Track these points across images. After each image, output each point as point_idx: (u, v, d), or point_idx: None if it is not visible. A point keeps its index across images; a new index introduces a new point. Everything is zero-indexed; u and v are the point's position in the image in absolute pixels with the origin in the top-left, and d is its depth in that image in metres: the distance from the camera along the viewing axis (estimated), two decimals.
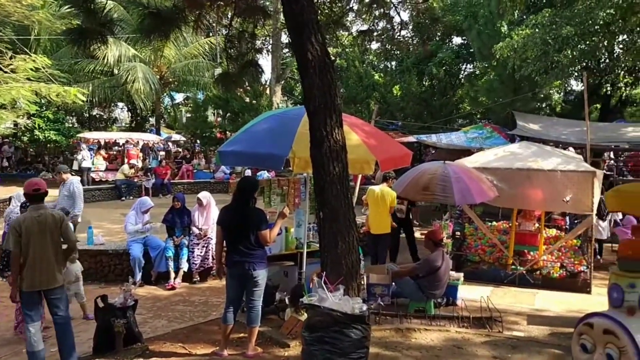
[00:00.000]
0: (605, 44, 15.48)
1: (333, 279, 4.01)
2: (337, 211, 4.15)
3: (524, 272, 8.00)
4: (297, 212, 6.60)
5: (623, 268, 3.39)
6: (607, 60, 19.44)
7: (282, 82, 26.30)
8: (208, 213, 8.38)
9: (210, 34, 25.63)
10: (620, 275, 3.34)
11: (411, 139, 16.30)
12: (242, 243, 4.94)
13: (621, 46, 16.31)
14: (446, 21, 22.12)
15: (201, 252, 8.20)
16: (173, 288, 7.80)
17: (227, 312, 5.09)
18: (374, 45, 25.91)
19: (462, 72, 24.63)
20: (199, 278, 8.19)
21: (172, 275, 7.98)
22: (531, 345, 5.48)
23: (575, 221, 9.74)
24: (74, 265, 6.40)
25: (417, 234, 10.04)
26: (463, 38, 23.79)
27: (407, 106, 21.52)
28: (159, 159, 22.43)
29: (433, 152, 16.85)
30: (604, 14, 12.39)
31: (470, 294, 7.01)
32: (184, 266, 8.07)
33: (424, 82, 23.22)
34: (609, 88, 20.11)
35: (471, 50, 21.56)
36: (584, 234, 8.62)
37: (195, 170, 21.15)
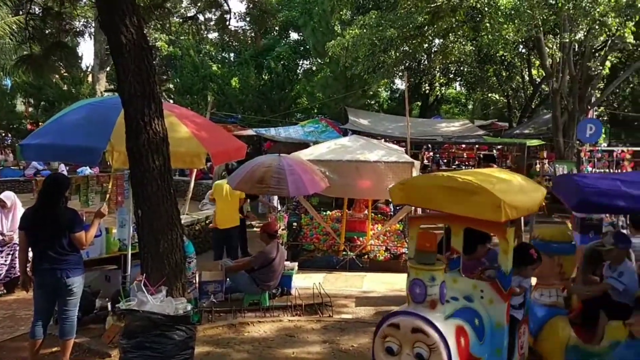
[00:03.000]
0: (424, 46, 17.39)
1: (155, 280, 3.82)
2: (158, 208, 3.94)
3: (354, 257, 8.61)
4: (120, 210, 6.14)
5: (421, 261, 3.32)
6: (426, 62, 21.89)
7: (107, 69, 24.25)
8: (14, 216, 7.34)
9: (21, 12, 22.52)
10: (421, 270, 3.28)
11: (250, 132, 16.40)
12: (52, 248, 4.43)
13: (435, 49, 18.46)
14: (281, 16, 22.66)
15: (6, 261, 7.18)
16: None
17: (36, 325, 4.54)
18: (212, 35, 25.42)
19: (300, 67, 25.55)
20: (5, 290, 7.18)
21: None
22: (358, 326, 5.91)
23: (397, 207, 10.75)
24: None
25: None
26: (300, 34, 24.65)
27: (247, 99, 21.60)
28: None
29: (272, 145, 17.14)
30: (422, 19, 13.86)
31: (305, 282, 7.31)
32: None
33: (263, 76, 23.53)
34: (427, 87, 22.58)
35: (308, 46, 22.44)
36: (405, 218, 9.57)
37: (0, 167, 18.48)
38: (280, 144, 14.73)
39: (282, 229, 8.36)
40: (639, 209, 4.19)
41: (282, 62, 22.79)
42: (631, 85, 20.20)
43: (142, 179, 3.98)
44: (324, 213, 10.62)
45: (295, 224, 9.57)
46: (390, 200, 10.60)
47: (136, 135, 3.96)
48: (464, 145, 18.50)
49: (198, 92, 22.63)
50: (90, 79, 24.02)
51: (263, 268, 6.45)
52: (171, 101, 22.45)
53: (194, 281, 6.02)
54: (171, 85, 26.30)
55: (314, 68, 23.77)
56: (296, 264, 7.55)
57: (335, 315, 6.23)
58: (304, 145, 13.14)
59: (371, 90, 20.03)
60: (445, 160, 20.09)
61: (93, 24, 24.65)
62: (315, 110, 22.94)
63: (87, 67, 25.24)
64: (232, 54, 27.09)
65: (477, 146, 17.87)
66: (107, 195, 5.90)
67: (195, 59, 23.45)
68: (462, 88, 27.74)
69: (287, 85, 22.43)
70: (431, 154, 20.07)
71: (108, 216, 5.28)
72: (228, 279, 6.57)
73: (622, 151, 12.07)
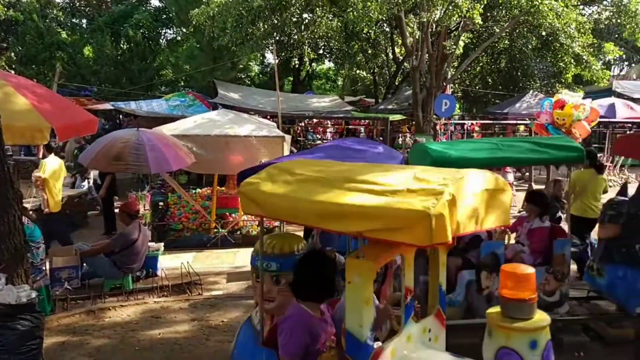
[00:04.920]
0: (293, 20, 17.51)
1: None
2: None
3: (226, 234, 8.59)
4: None
5: (517, 315, 2.30)
6: (296, 36, 22.11)
7: None
8: None
9: None
10: (516, 330, 2.25)
11: (107, 106, 15.34)
12: None
13: (306, 23, 18.68)
14: None
15: None
16: None
17: None
18: None
19: (163, 36, 24.29)
20: None
21: None
22: (228, 301, 5.96)
23: None
24: None
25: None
26: (161, 0, 23.37)
27: (102, 70, 20.06)
28: None
29: (133, 119, 16.21)
30: None
31: (173, 263, 7.16)
32: None
33: (121, 45, 21.96)
34: (297, 62, 22.85)
35: (170, 14, 21.37)
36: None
37: None
38: (141, 118, 13.97)
39: (146, 209, 8.04)
40: None
41: (142, 31, 21.47)
42: (480, 64, 22.41)
43: None
44: (193, 191, 10.39)
45: (161, 203, 9.24)
46: None
47: None
48: (333, 121, 19.23)
49: (44, 62, 20.46)
50: None
51: (124, 250, 6.17)
52: (12, 72, 20.01)
53: (44, 268, 5.56)
54: (12, 54, 23.42)
55: (179, 38, 22.74)
56: (162, 244, 7.33)
57: (205, 292, 6.21)
58: (169, 120, 12.65)
59: (241, 63, 19.76)
60: (318, 136, 20.71)
61: None
62: (182, 83, 22.07)
63: None
64: (84, 20, 24.80)
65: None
66: None
67: (39, 24, 21.09)
68: (331, 64, 28.58)
69: (149, 55, 21.23)
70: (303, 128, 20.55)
71: None
72: (85, 264, 6.18)
73: (472, 124, 13.46)
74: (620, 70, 33.78)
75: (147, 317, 5.40)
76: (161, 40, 23.90)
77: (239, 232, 8.80)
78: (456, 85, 21.53)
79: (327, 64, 30.80)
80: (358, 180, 2.62)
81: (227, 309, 5.69)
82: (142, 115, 14.08)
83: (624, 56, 28.11)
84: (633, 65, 30.99)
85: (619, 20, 14.07)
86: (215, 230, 8.65)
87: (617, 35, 20.69)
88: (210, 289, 6.38)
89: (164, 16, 22.75)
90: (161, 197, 9.44)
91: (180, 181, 10.71)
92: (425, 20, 13.93)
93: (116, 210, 8.50)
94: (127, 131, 7.20)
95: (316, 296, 2.79)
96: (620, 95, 19.19)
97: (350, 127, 18.50)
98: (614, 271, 4.76)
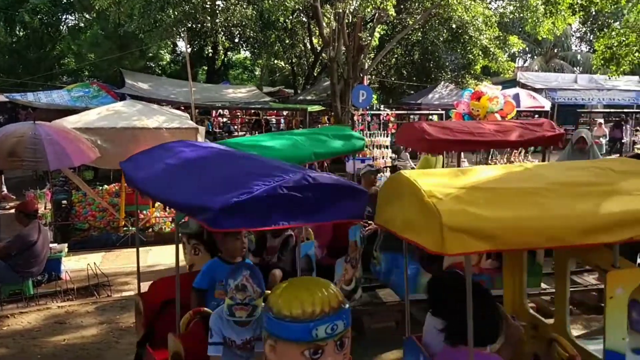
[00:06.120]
0: (206, 7, 17.16)
1: None
2: None
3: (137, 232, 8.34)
4: None
5: None
6: (209, 24, 21.63)
7: None
8: None
9: None
10: None
11: (1, 97, 14.30)
12: None
13: (219, 10, 18.34)
14: None
15: None
16: None
17: None
18: None
19: (63, 23, 22.85)
20: None
21: None
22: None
23: None
24: None
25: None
26: None
27: None
28: None
29: (31, 112, 15.20)
30: None
31: (79, 264, 6.88)
32: None
33: (16, 31, 20.45)
34: (210, 51, 22.41)
35: None
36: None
37: None
38: (41, 111, 13.14)
39: (47, 208, 7.63)
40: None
41: (39, 16, 20.07)
42: (395, 56, 23.18)
43: None
44: (100, 187, 9.98)
45: (64, 201, 8.80)
46: None
47: None
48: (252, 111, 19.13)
49: None
50: None
51: (22, 253, 5.83)
52: None
53: None
54: None
55: (81, 24, 21.48)
56: (65, 245, 7.01)
57: (115, 294, 6.04)
58: (71, 112, 12.03)
59: (150, 51, 19.11)
60: (235, 127, 20.49)
61: None
62: (86, 73, 20.94)
63: None
64: None
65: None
66: None
67: None
68: (248, 53, 28.32)
69: (48, 42, 19.95)
70: (223, 119, 20.28)
71: None
72: None
73: (387, 114, 13.91)
74: (524, 62, 36.41)
75: (51, 323, 5.17)
76: (62, 27, 22.39)
77: (150, 230, 8.58)
78: (373, 76, 22.13)
79: (244, 53, 30.45)
80: (575, 184, 2.49)
81: (130, 311, 5.56)
82: (41, 108, 13.25)
83: (526, 49, 30.32)
84: (535, 57, 33.49)
85: (521, 15, 15.14)
86: (125, 228, 8.38)
87: (520, 29, 22.22)
88: (120, 290, 6.20)
89: (64, 1, 21.39)
90: (64, 195, 8.99)
91: (85, 177, 10.23)
92: (340, 10, 14.21)
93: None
94: (22, 124, 6.81)
95: (488, 337, 2.38)
96: (524, 86, 20.70)
97: (254, 117, 18.54)
98: (390, 259, 4.98)
